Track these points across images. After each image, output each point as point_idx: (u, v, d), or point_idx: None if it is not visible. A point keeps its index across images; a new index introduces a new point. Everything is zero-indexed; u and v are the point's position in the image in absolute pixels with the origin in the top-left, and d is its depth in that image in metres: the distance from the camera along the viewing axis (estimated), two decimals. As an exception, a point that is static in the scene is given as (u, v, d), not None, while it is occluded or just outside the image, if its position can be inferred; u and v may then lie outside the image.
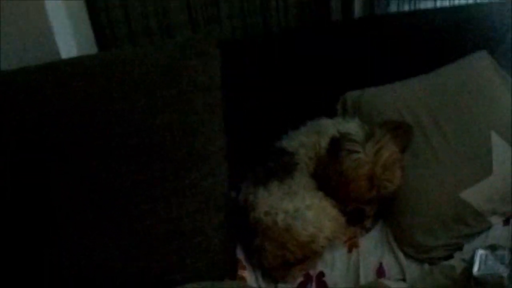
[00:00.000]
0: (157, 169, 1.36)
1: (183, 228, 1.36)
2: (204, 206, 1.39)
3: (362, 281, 1.43)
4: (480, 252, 1.30)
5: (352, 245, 1.50)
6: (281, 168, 1.49)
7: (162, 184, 1.36)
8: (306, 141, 1.54)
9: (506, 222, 1.50)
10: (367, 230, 1.55)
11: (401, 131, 1.51)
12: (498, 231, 1.48)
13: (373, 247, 1.50)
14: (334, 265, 1.48)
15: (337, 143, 1.46)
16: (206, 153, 1.40)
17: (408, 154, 1.52)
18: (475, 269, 1.26)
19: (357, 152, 1.43)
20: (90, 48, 1.85)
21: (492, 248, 1.34)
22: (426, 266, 1.45)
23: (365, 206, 1.52)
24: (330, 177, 1.45)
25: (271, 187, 1.46)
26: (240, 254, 1.52)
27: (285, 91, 1.74)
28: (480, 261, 1.28)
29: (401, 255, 1.47)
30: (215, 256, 1.40)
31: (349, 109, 1.70)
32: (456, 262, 1.39)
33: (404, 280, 1.43)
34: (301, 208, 1.43)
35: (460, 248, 1.46)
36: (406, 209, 1.49)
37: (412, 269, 1.45)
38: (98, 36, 1.89)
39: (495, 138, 1.52)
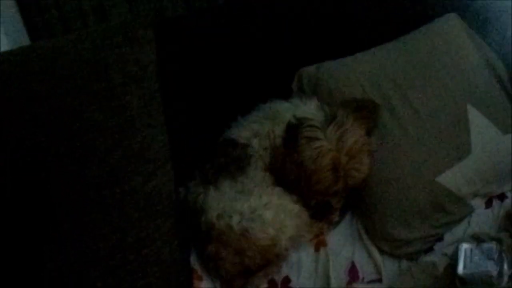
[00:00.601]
0: (90, 176, 1.21)
1: (127, 240, 1.20)
2: (149, 212, 1.23)
3: (334, 284, 1.28)
4: (465, 247, 1.16)
5: (319, 244, 1.35)
6: (232, 163, 1.32)
7: (98, 193, 1.20)
8: (259, 129, 1.36)
9: (488, 204, 1.37)
10: (335, 224, 1.39)
11: (366, 111, 1.35)
12: (480, 216, 1.35)
13: (343, 244, 1.35)
14: (301, 267, 1.32)
15: (294, 130, 1.29)
16: (145, 153, 1.24)
17: (375, 136, 1.36)
18: (460, 267, 1.13)
19: (318, 139, 1.26)
20: (21, 37, 1.68)
21: (478, 239, 1.21)
22: (404, 263, 1.30)
23: (331, 198, 1.35)
24: (288, 170, 1.28)
25: (222, 186, 1.30)
26: (195, 263, 1.36)
27: (232, 72, 1.54)
28: (465, 258, 1.15)
29: (375, 252, 1.32)
30: (167, 269, 1.24)
31: (306, 87, 1.51)
32: (438, 257, 1.25)
33: (380, 280, 1.29)
34: (258, 208, 1.26)
35: (440, 238, 1.33)
36: (377, 199, 1.33)
37: (389, 268, 1.30)
38: (28, 24, 1.74)
39: (472, 112, 1.36)
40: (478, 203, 1.36)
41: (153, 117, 1.25)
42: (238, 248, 1.26)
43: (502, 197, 1.37)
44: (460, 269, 1.12)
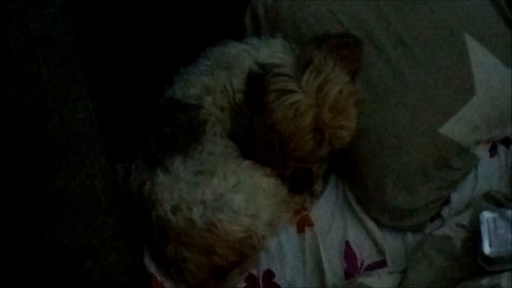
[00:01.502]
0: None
1: (63, 253, 0.92)
2: (82, 215, 0.93)
3: (328, 273, 1.04)
4: (487, 217, 0.95)
5: (302, 222, 1.08)
6: (181, 133, 1.01)
7: (15, 201, 0.86)
8: (211, 83, 1.04)
9: (493, 152, 1.14)
10: (318, 195, 1.13)
11: (347, 49, 1.05)
12: (486, 167, 1.12)
13: (331, 220, 1.08)
14: (284, 256, 1.06)
15: (259, 82, 1.00)
16: (66, 139, 0.90)
17: (361, 82, 1.08)
18: (486, 246, 0.92)
19: (292, 91, 0.97)
20: None
21: (494, 201, 1.02)
22: (410, 237, 1.07)
23: (311, 164, 1.09)
24: (256, 136, 1.00)
25: (172, 166, 0.99)
26: (150, 266, 1.07)
27: (167, 8, 1.21)
28: (489, 232, 0.93)
29: (372, 226, 1.07)
30: (116, 280, 0.98)
31: (263, 23, 1.19)
32: (452, 229, 1.01)
33: (384, 263, 1.05)
34: (224, 192, 0.98)
35: (447, 201, 1.09)
36: (370, 160, 1.08)
37: (392, 245, 1.06)
38: None
39: (471, 43, 1.10)
40: (482, 152, 1.14)
41: (71, 88, 0.91)
42: (203, 246, 0.98)
43: (506, 142, 1.16)
44: (486, 247, 0.92)
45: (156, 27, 1.20)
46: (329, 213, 1.10)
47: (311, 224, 1.07)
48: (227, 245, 0.98)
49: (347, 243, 1.07)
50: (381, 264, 1.05)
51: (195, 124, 1.01)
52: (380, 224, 1.08)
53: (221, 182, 0.98)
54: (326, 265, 1.04)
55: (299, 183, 1.09)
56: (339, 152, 1.07)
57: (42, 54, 0.85)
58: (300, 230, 1.08)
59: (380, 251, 1.06)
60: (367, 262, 1.06)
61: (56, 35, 0.86)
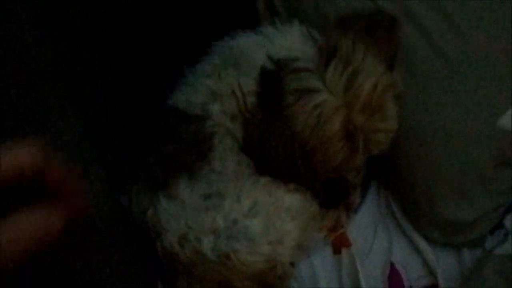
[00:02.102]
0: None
1: None
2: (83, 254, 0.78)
3: (370, 302, 0.90)
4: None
5: (339, 242, 0.93)
6: (185, 150, 0.85)
7: None
8: (218, 86, 0.87)
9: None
10: (356, 208, 0.97)
11: (381, 31, 0.87)
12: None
13: (372, 237, 0.93)
14: (318, 283, 0.90)
15: (273, 80, 0.83)
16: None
17: (400, 71, 0.88)
18: None
19: (314, 90, 0.80)
20: None
21: None
22: (466, 254, 0.90)
23: (345, 172, 0.93)
24: (273, 148, 0.83)
25: (177, 190, 0.84)
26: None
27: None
28: None
29: (421, 243, 0.91)
30: None
31: (279, 6, 1.02)
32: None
33: (436, 286, 0.90)
34: (239, 217, 0.82)
35: (509, 209, 0.91)
36: (416, 166, 0.90)
37: (446, 265, 0.90)
38: None
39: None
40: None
41: (45, 90, 0.76)
42: (219, 280, 0.85)
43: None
44: None
45: (160, 20, 1.04)
46: (370, 229, 0.94)
47: (348, 244, 0.92)
48: (247, 277, 0.84)
49: (391, 264, 0.91)
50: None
51: (201, 139, 0.85)
52: (431, 241, 0.91)
53: (234, 206, 0.82)
54: (367, 291, 0.90)
55: (332, 196, 0.93)
56: (379, 155, 0.92)
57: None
58: (336, 251, 0.93)
59: (432, 273, 0.90)
60: (416, 286, 0.90)
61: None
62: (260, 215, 0.83)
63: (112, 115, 0.95)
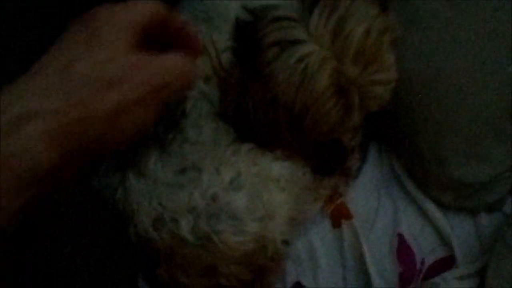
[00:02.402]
0: None
1: None
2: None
3: (377, 279, 0.77)
4: None
5: (338, 213, 0.82)
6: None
7: None
8: None
9: None
10: (355, 173, 0.86)
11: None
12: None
13: (376, 204, 0.82)
14: (317, 262, 0.80)
15: (250, 33, 0.71)
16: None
17: (396, 12, 0.75)
18: None
19: (299, 41, 0.69)
20: None
21: None
22: (484, 219, 0.79)
23: (340, 134, 0.82)
24: (254, 112, 0.71)
25: (147, 166, 0.73)
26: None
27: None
28: None
29: (432, 209, 0.80)
30: None
31: None
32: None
33: (452, 259, 0.79)
34: (218, 192, 0.71)
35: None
36: (422, 121, 0.79)
37: (460, 233, 0.79)
38: None
39: None
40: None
41: None
42: (203, 265, 0.75)
43: None
44: None
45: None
46: (372, 197, 0.83)
47: (349, 216, 0.81)
48: (234, 261, 0.74)
49: (399, 236, 0.80)
50: (449, 261, 0.79)
51: (171, 105, 0.75)
52: (443, 206, 0.81)
53: (213, 180, 0.71)
54: (372, 269, 0.78)
55: (327, 161, 0.82)
56: (378, 111, 0.81)
57: None
58: (336, 224, 0.82)
59: (446, 243, 0.80)
60: (429, 260, 0.79)
61: None
62: (244, 188, 0.72)
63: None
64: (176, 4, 0.82)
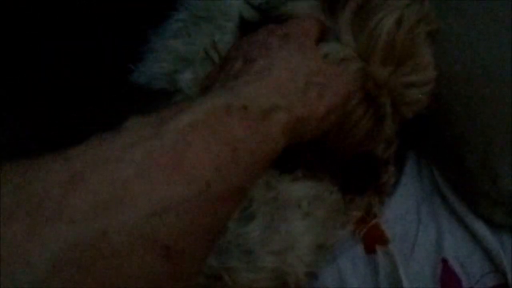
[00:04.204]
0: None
1: None
2: None
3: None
4: None
5: (372, 237, 0.71)
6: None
7: None
8: (188, 48, 0.66)
9: None
10: (390, 190, 0.75)
11: None
12: None
13: (416, 225, 0.71)
14: (348, 292, 0.73)
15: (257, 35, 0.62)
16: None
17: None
18: None
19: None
20: None
21: None
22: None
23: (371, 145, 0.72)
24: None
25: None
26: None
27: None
28: None
29: (481, 229, 0.69)
30: None
31: None
32: None
33: (506, 287, 0.69)
34: (229, 225, 0.60)
35: None
36: (467, 124, 0.68)
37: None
38: None
39: None
40: None
41: None
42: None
43: None
44: None
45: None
46: (412, 217, 0.73)
47: (385, 240, 0.71)
48: (249, 300, 0.65)
49: (444, 262, 0.69)
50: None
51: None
52: (494, 225, 0.70)
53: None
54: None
55: (358, 177, 0.72)
56: (415, 117, 0.70)
57: None
58: (369, 250, 0.71)
59: (498, 270, 0.68)
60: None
61: None
62: (257, 217, 0.62)
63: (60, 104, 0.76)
64: (175, 2, 0.73)
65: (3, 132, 0.67)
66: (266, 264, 0.62)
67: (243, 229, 0.62)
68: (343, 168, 0.70)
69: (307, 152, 0.63)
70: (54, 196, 0.34)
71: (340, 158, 0.67)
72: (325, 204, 0.68)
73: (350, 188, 0.71)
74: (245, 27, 0.62)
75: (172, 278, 0.38)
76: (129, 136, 0.40)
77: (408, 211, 0.73)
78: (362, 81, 0.58)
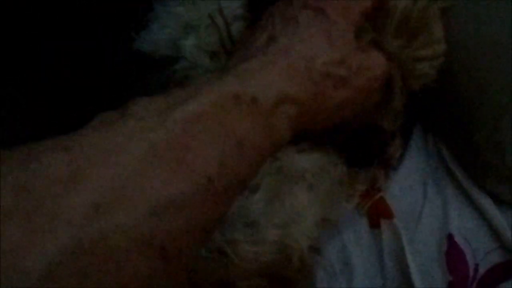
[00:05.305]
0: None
1: None
2: None
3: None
4: None
5: (376, 211, 0.70)
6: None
7: None
8: (192, 14, 0.64)
9: None
10: (397, 163, 0.73)
11: None
12: None
13: (422, 200, 0.70)
14: (352, 268, 0.68)
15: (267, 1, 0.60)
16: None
17: None
18: None
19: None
20: None
21: None
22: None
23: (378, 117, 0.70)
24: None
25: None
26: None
27: None
28: None
29: (488, 206, 0.67)
30: None
31: None
32: None
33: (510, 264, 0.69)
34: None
35: None
36: (475, 99, 0.66)
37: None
38: None
39: None
40: None
41: None
42: (216, 281, 0.65)
43: None
44: None
45: None
46: (417, 191, 0.71)
47: (389, 214, 0.70)
48: (251, 275, 0.64)
49: (450, 237, 0.68)
50: (508, 268, 0.66)
51: (172, 88, 0.64)
52: (501, 201, 0.68)
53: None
54: (417, 277, 0.66)
55: (364, 150, 0.71)
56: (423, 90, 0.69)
57: None
58: (374, 224, 0.70)
59: (504, 246, 0.67)
60: (484, 266, 0.67)
61: None
62: (262, 189, 0.62)
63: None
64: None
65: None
66: (270, 237, 0.62)
67: (247, 201, 0.61)
68: (349, 140, 0.69)
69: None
70: (53, 195, 0.34)
71: (347, 130, 0.67)
72: (330, 177, 0.67)
73: (356, 160, 0.71)
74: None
75: (167, 277, 0.38)
76: (133, 123, 0.39)
77: (413, 185, 0.72)
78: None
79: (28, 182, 0.34)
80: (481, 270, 0.67)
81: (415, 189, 0.72)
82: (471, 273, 0.67)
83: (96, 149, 0.37)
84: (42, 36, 0.75)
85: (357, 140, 0.70)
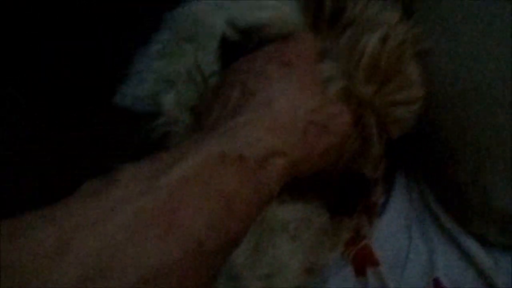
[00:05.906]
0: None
1: None
2: None
3: None
4: None
5: (362, 259, 0.69)
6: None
7: None
8: (171, 68, 0.65)
9: None
10: (379, 210, 0.74)
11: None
12: None
13: (407, 245, 0.69)
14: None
15: (239, 54, 0.60)
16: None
17: (422, 17, 0.65)
18: None
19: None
20: None
21: None
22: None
23: (359, 165, 0.69)
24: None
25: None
26: None
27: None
28: None
29: (475, 248, 0.67)
30: None
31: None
32: None
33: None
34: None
35: None
36: (458, 141, 0.66)
37: (509, 275, 0.64)
38: None
39: None
40: None
41: None
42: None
43: None
44: None
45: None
46: (402, 236, 0.71)
47: (375, 262, 0.69)
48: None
49: (436, 281, 0.67)
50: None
51: (151, 144, 0.64)
52: (487, 243, 0.68)
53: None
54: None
55: (347, 198, 0.71)
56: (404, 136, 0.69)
57: None
58: (360, 272, 0.70)
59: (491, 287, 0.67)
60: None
61: None
62: (245, 242, 0.59)
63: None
64: (158, 21, 0.73)
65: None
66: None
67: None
68: (331, 189, 0.69)
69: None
70: (40, 271, 0.33)
71: (328, 179, 0.67)
72: (313, 227, 0.67)
73: (339, 209, 0.71)
74: (228, 48, 0.62)
75: None
76: (120, 191, 0.38)
77: (398, 231, 0.72)
78: (345, 99, 0.58)
79: (15, 259, 0.33)
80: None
81: (400, 234, 0.72)
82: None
83: (83, 219, 0.36)
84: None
85: (339, 189, 0.70)
